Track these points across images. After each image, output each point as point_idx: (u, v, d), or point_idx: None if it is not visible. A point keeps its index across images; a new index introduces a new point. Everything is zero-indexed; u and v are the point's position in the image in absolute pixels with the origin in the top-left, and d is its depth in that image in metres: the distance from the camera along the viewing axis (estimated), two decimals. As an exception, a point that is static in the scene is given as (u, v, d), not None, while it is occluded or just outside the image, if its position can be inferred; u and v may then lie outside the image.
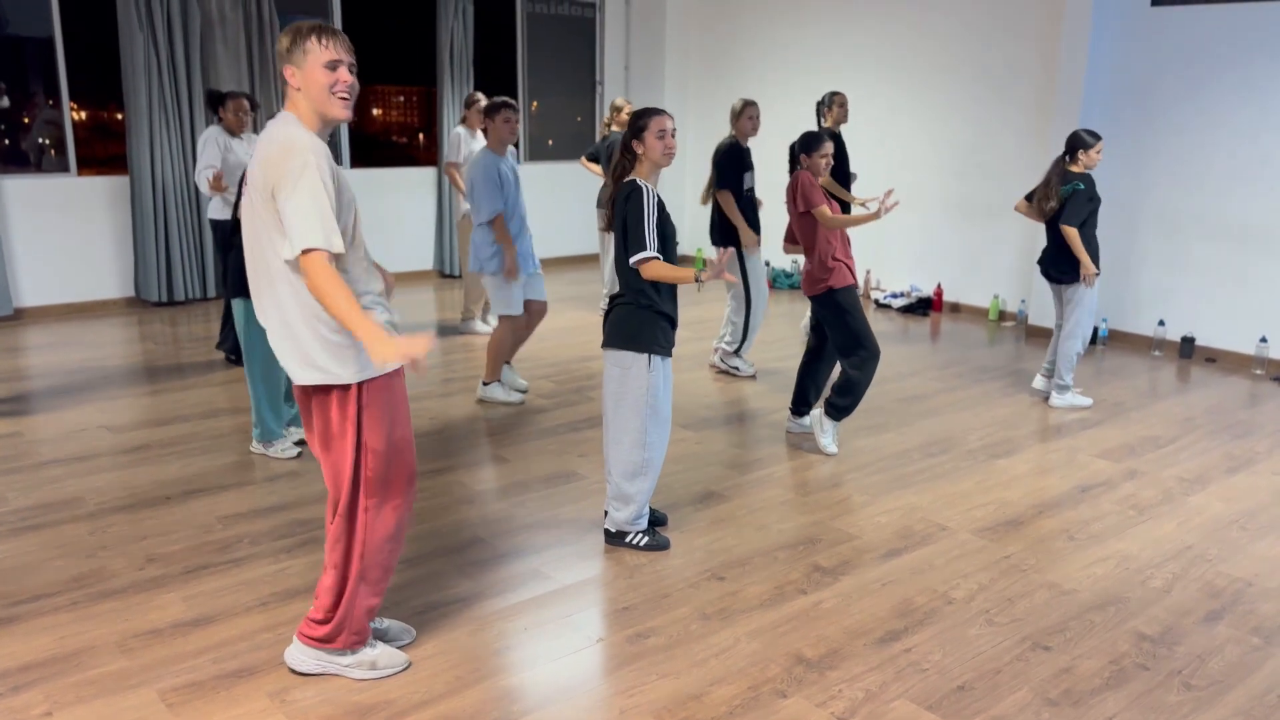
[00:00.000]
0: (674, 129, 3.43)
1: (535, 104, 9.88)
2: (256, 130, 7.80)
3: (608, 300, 3.64)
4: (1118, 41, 6.90)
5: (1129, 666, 2.93)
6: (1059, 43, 7.13)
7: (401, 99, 10.30)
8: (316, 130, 2.49)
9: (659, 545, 3.63)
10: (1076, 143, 5.21)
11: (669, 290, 3.51)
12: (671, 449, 4.71)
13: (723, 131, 9.90)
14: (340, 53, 2.44)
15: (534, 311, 5.40)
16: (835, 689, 2.78)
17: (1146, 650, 3.02)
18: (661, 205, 3.43)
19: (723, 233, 5.84)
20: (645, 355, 3.44)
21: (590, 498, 4.10)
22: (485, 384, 5.38)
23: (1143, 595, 3.37)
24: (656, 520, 3.83)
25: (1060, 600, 3.32)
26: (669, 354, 3.50)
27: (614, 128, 7.48)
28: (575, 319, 7.57)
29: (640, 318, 3.43)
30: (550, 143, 10.09)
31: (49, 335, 6.74)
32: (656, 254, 3.36)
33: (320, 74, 2.43)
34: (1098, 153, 5.19)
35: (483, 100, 7.00)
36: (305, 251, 2.33)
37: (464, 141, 6.99)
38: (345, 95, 2.47)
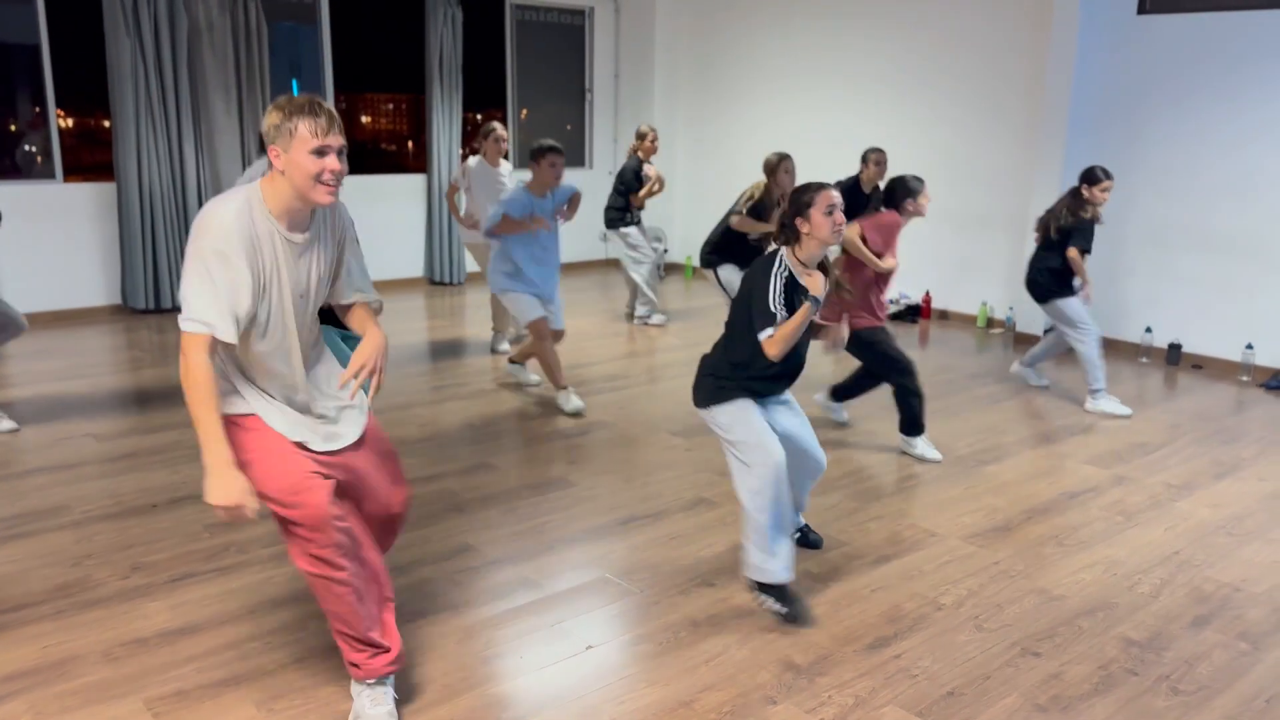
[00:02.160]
0: (841, 203, 3.15)
1: (525, 112, 9.89)
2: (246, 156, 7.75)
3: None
4: (1105, 51, 6.94)
5: (1117, 672, 2.94)
6: (1046, 53, 7.17)
7: (390, 107, 10.29)
8: (285, 208, 2.39)
9: (783, 615, 3.19)
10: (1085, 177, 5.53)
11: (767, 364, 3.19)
12: (661, 455, 4.70)
13: (713, 142, 9.93)
14: (328, 138, 2.34)
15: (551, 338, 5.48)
16: (825, 695, 2.77)
17: (1135, 655, 3.03)
18: (791, 281, 3.17)
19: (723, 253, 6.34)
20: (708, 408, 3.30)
21: (580, 505, 4.10)
22: (559, 388, 5.40)
23: (1131, 601, 3.38)
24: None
25: (1049, 606, 3.33)
26: (736, 397, 3.25)
27: (639, 155, 7.45)
28: (569, 327, 7.54)
29: (710, 385, 3.30)
30: (540, 150, 10.07)
31: (35, 343, 6.69)
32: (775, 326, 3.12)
33: (307, 161, 2.33)
34: (1102, 190, 5.46)
35: (499, 130, 6.55)
36: (184, 331, 2.32)
37: (474, 175, 6.54)
38: (331, 184, 2.37)
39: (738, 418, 3.21)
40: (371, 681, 2.61)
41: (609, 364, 6.47)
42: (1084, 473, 4.62)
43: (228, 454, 2.32)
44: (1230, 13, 6.34)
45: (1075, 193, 5.52)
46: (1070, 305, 5.58)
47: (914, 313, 8.16)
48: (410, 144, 10.00)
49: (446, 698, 2.72)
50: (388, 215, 8.82)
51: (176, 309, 7.78)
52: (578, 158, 10.24)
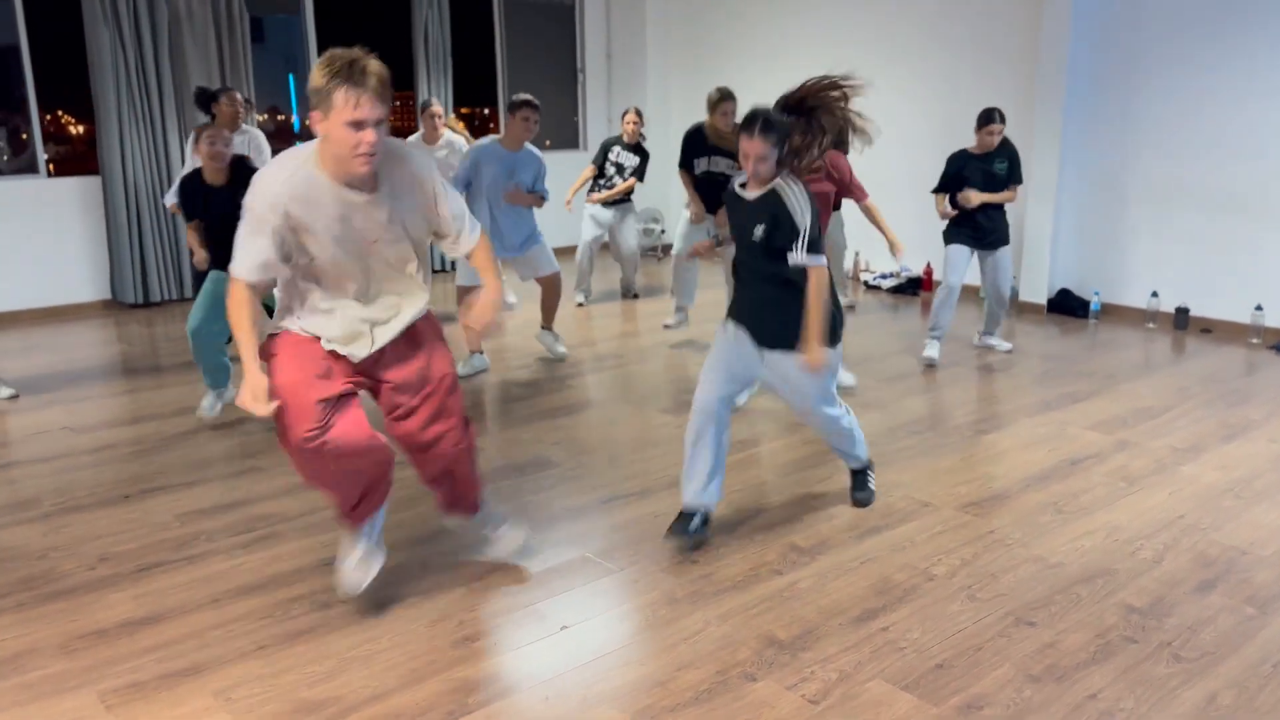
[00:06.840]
0: (753, 154, 3.38)
1: None
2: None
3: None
4: (1102, 9, 6.75)
5: (1116, 640, 2.80)
6: (1041, 14, 6.98)
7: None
8: (336, 168, 2.46)
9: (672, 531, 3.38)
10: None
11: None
12: (648, 433, 4.58)
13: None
14: (366, 111, 2.35)
15: (544, 284, 5.68)
16: (808, 670, 2.65)
17: (1135, 622, 2.89)
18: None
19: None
20: None
21: (563, 484, 3.98)
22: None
23: (1132, 567, 3.24)
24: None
25: (1046, 574, 3.19)
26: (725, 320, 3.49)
27: (624, 137, 7.38)
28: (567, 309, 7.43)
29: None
30: (534, 136, 9.95)
31: (22, 340, 6.62)
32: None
33: (343, 132, 2.36)
34: (987, 134, 5.59)
35: (435, 106, 6.81)
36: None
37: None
38: (367, 155, 2.41)
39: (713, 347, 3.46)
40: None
41: (602, 343, 6.35)
42: (1086, 439, 4.47)
43: (253, 368, 2.49)
44: (1231, -36, 6.14)
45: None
46: (947, 251, 5.80)
47: (915, 285, 8.00)
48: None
49: (411, 683, 2.61)
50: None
51: (165, 302, 7.70)
52: (571, 140, 10.11)
